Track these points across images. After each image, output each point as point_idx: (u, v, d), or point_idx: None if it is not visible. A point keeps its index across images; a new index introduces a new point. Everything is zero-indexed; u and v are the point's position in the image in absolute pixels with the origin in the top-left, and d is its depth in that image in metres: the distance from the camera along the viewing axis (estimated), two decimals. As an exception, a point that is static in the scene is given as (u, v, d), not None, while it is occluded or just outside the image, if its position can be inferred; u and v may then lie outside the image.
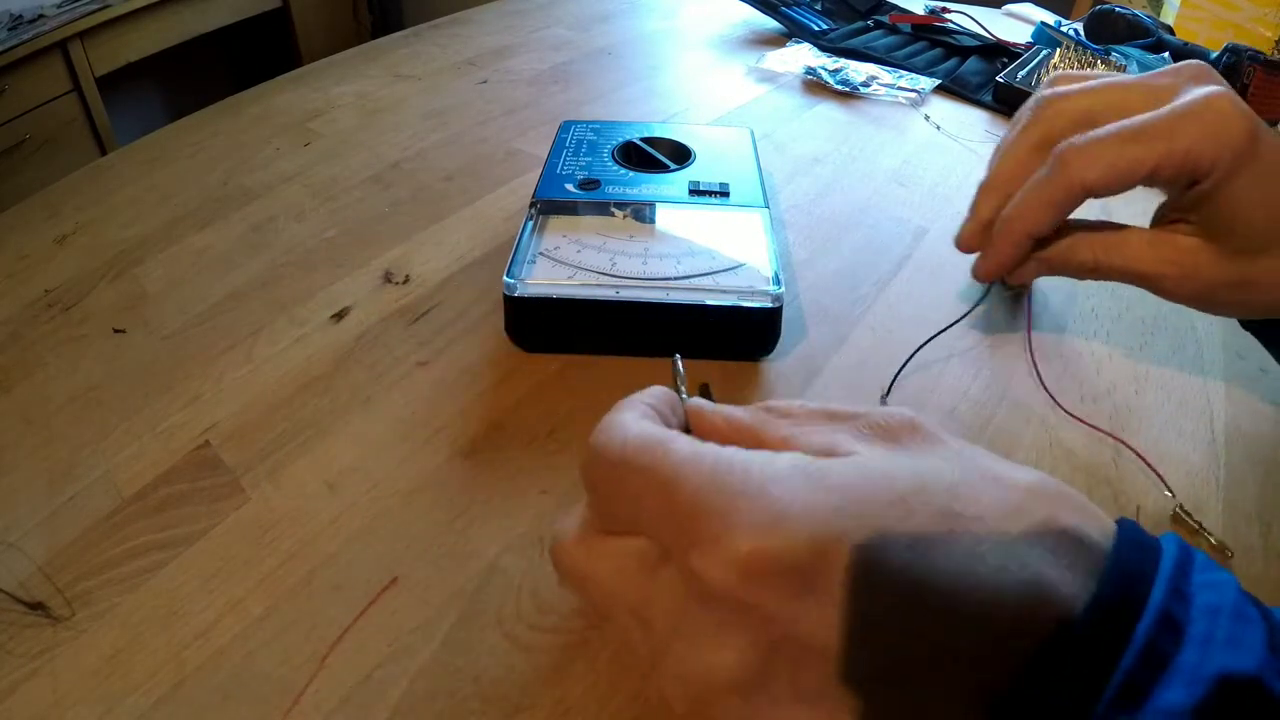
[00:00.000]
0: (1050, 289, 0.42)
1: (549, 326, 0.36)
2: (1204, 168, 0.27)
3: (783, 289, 0.35)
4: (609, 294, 0.35)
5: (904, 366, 0.36)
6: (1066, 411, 0.34)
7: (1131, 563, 0.16)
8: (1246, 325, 0.36)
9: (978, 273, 0.34)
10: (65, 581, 0.28)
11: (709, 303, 0.35)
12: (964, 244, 0.35)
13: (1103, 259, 0.31)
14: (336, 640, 0.26)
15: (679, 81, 0.69)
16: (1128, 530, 0.17)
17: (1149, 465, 0.32)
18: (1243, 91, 0.61)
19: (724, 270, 0.36)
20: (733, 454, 0.17)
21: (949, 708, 0.15)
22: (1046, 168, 0.29)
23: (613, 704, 0.24)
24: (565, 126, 0.48)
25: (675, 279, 0.36)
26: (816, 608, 0.15)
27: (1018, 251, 0.32)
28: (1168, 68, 0.30)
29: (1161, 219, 0.31)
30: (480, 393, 0.35)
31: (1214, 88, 0.27)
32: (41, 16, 1.66)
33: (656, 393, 0.22)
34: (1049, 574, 0.15)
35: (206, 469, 0.32)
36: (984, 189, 0.34)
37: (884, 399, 0.35)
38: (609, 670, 0.25)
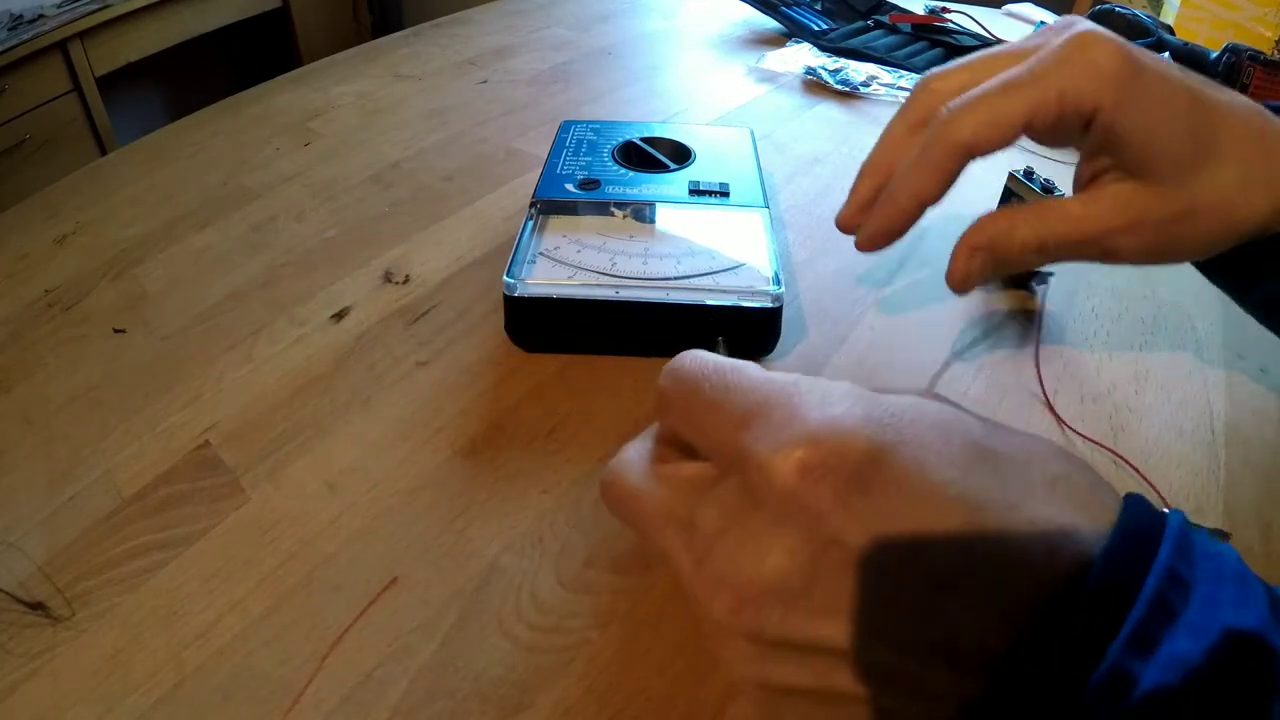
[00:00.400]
0: (1050, 291, 0.42)
1: (549, 326, 0.36)
2: (1086, 106, 0.26)
3: (783, 289, 0.35)
4: (609, 294, 0.35)
5: (940, 373, 0.37)
6: (1069, 428, 0.34)
7: (1141, 524, 0.16)
8: (1212, 276, 0.35)
9: (859, 241, 0.33)
10: (65, 581, 0.28)
11: (709, 303, 0.35)
12: (842, 223, 0.33)
13: (1045, 233, 0.29)
14: (336, 640, 0.26)
15: (679, 81, 0.69)
16: (1136, 499, 0.17)
17: (1145, 480, 0.32)
18: (1243, 91, 0.61)
19: (724, 270, 0.36)
20: (799, 378, 0.19)
21: (981, 624, 0.16)
22: (926, 135, 0.29)
23: (613, 704, 0.24)
24: (565, 126, 0.48)
25: (675, 279, 0.36)
26: (864, 511, 0.16)
27: (902, 216, 0.31)
28: (1042, 28, 0.30)
29: (1083, 180, 0.30)
30: (480, 393, 0.35)
31: (1080, 29, 0.27)
32: (41, 16, 1.66)
33: None
34: (1072, 519, 0.16)
35: (206, 469, 0.32)
36: (863, 171, 0.33)
37: None
38: (609, 670, 0.25)
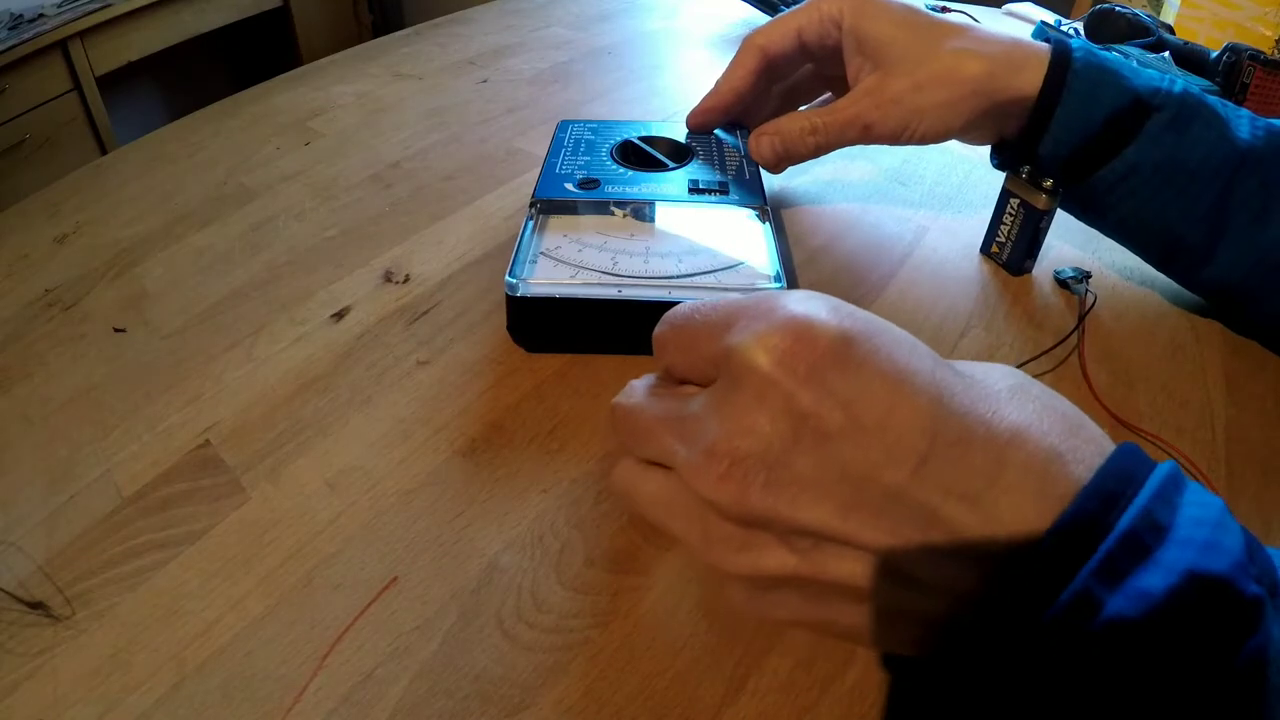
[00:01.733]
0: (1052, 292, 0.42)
1: (551, 326, 0.36)
2: (835, 17, 0.38)
3: (784, 286, 0.35)
4: (611, 293, 0.35)
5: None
6: (1117, 418, 0.34)
7: (1127, 467, 0.17)
8: (1071, 209, 0.42)
9: (688, 119, 0.45)
10: (65, 581, 0.28)
11: None
12: (689, 121, 0.45)
13: (818, 121, 0.39)
14: (336, 640, 0.26)
15: (679, 81, 0.69)
16: (1131, 447, 0.18)
17: (1199, 472, 0.32)
18: (1242, 91, 0.61)
19: (725, 268, 0.36)
20: (779, 291, 0.20)
21: (960, 510, 0.16)
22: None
23: (613, 704, 0.24)
24: (563, 126, 0.48)
25: (677, 277, 0.36)
26: (839, 387, 0.17)
27: (721, 103, 0.43)
28: None
29: (850, 86, 0.40)
30: (480, 392, 0.35)
31: None
32: (42, 16, 1.66)
33: None
34: (1062, 443, 0.17)
35: (206, 468, 0.32)
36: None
37: None
38: (609, 670, 0.25)
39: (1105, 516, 0.16)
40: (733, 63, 0.42)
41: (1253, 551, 0.16)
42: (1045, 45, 0.37)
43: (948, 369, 0.18)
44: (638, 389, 0.22)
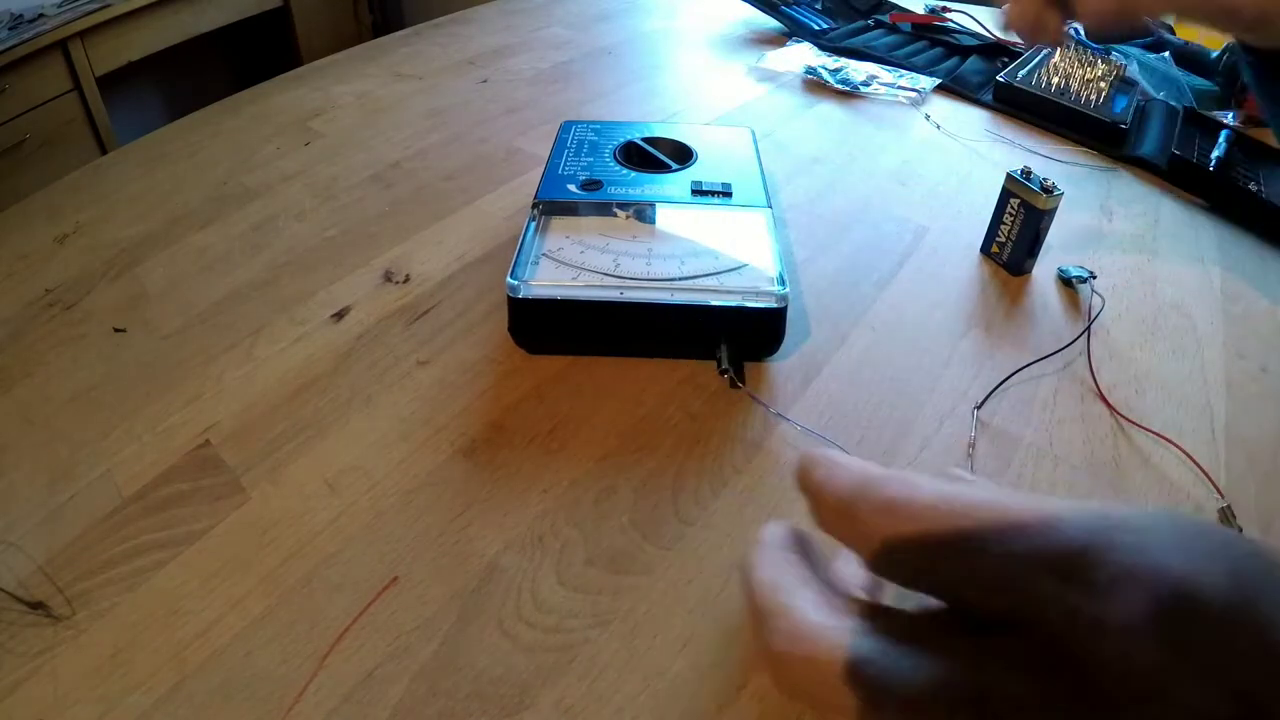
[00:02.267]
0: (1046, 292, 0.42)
1: (553, 328, 0.36)
2: None
3: (788, 289, 0.35)
4: (613, 295, 0.35)
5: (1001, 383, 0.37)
6: (1125, 418, 0.34)
7: None
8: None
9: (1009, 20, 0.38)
10: (65, 581, 0.28)
11: (714, 303, 0.35)
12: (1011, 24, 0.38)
13: None
14: (336, 640, 0.26)
15: (679, 81, 0.69)
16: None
17: (1201, 469, 0.32)
18: (1243, 91, 0.61)
19: (728, 270, 0.36)
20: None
21: None
22: None
23: (613, 704, 0.24)
24: (566, 127, 0.48)
25: (679, 279, 0.36)
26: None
27: None
28: None
29: None
30: (481, 392, 0.35)
31: None
32: (42, 16, 1.66)
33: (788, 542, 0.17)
34: None
35: (207, 468, 0.32)
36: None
37: (976, 410, 0.35)
38: (609, 670, 0.25)
39: None
40: None
41: None
42: None
43: None
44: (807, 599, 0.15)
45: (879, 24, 0.79)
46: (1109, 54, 0.68)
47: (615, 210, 0.40)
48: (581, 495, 0.31)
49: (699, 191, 0.42)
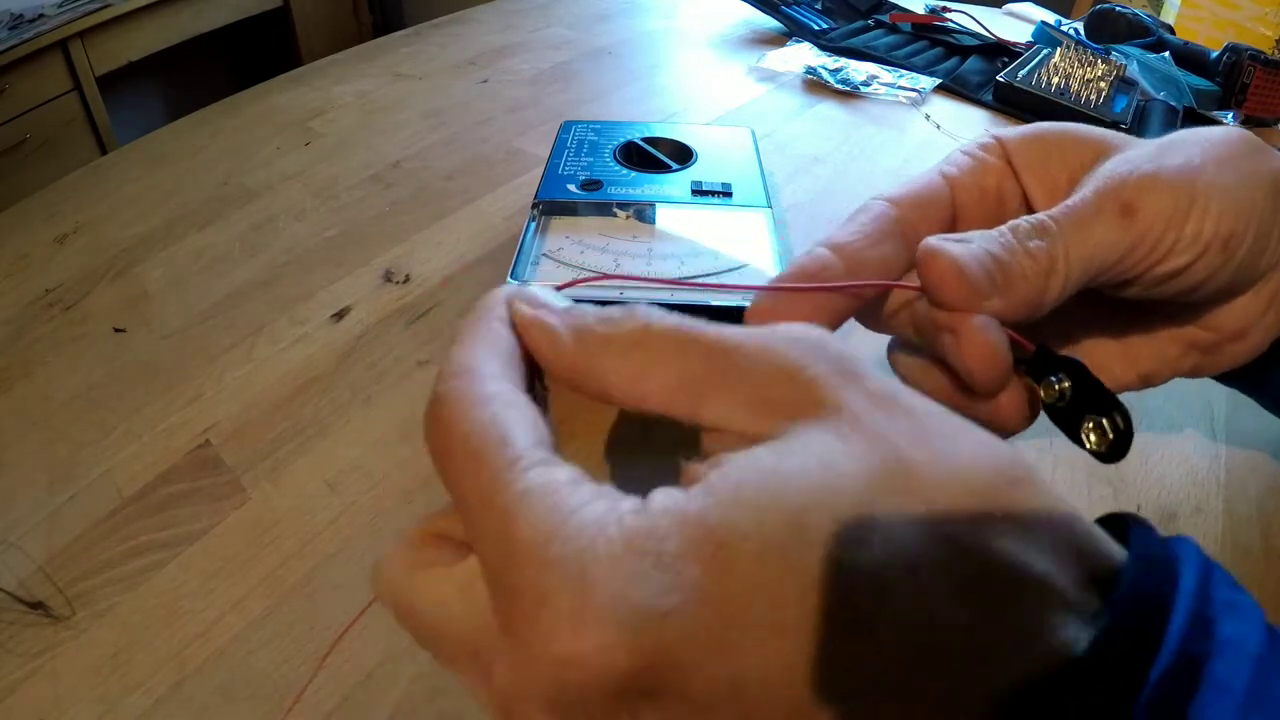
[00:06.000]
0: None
1: (550, 326, 0.36)
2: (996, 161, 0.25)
3: (784, 289, 0.35)
4: (613, 295, 0.35)
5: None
6: None
7: (1147, 583, 0.13)
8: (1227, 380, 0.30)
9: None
10: (65, 581, 0.28)
11: (714, 303, 0.35)
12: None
13: (1047, 222, 0.21)
14: (336, 640, 0.26)
15: (679, 81, 0.69)
16: (1141, 534, 0.14)
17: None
18: (1243, 91, 0.61)
19: (728, 270, 0.36)
20: (570, 507, 0.13)
21: None
22: None
23: (613, 704, 0.24)
24: (566, 127, 0.48)
25: (679, 280, 0.36)
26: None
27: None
28: None
29: None
30: (481, 392, 0.35)
31: None
32: (42, 16, 1.66)
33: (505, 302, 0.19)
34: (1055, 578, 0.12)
35: (207, 468, 0.32)
36: None
37: None
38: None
39: (1130, 671, 0.12)
40: (849, 218, 0.23)
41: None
42: None
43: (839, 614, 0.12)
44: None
45: (879, 24, 0.79)
46: (1109, 54, 0.68)
47: (615, 210, 0.40)
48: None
49: (699, 191, 0.42)
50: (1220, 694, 0.12)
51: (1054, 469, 0.32)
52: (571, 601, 0.12)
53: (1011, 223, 0.21)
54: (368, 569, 0.28)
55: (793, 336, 0.15)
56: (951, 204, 0.24)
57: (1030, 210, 0.24)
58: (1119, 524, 0.15)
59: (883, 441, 0.13)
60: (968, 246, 0.20)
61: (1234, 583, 0.13)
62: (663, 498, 0.13)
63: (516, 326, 0.18)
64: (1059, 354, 0.20)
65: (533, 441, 0.15)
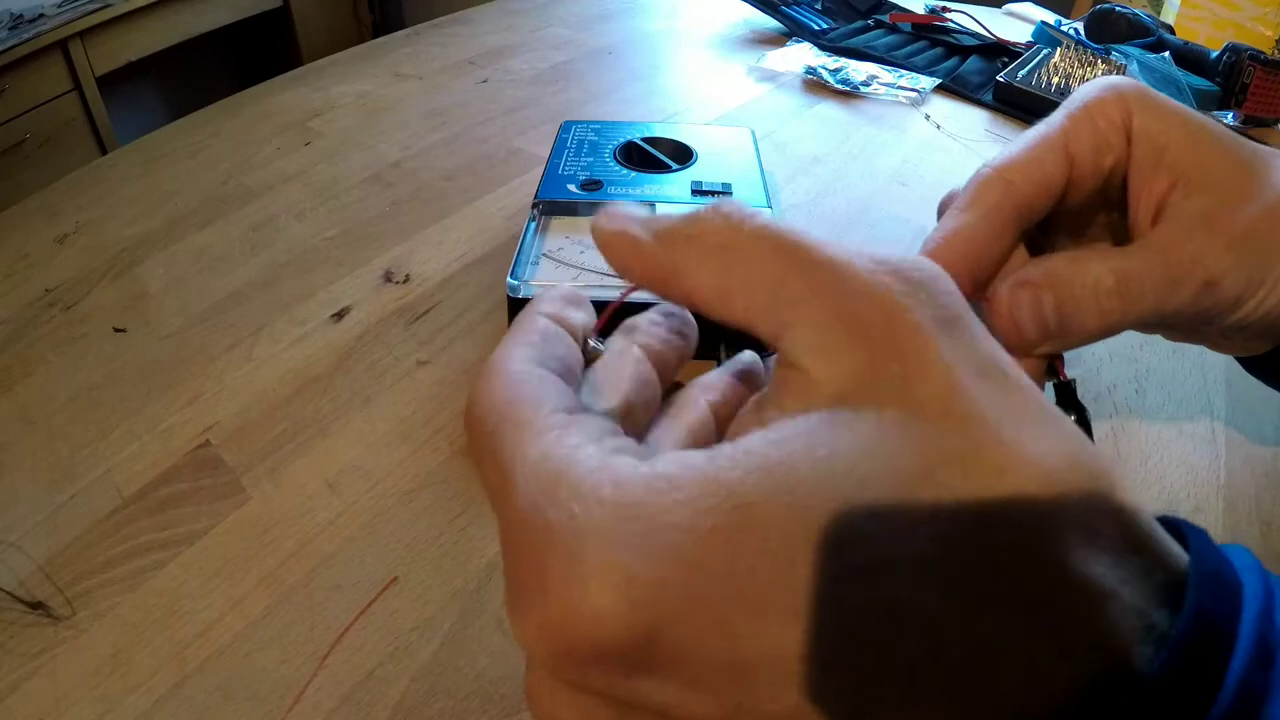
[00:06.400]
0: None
1: (550, 326, 0.36)
2: (1117, 122, 0.24)
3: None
4: (613, 295, 0.35)
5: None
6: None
7: (1212, 603, 0.12)
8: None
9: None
10: (65, 581, 0.28)
11: None
12: None
13: (1127, 268, 0.23)
14: (336, 640, 0.26)
15: (679, 81, 0.69)
16: (1201, 547, 0.13)
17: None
18: (1243, 91, 0.61)
19: (724, 270, 0.36)
20: (569, 468, 0.13)
21: None
22: None
23: (613, 704, 0.24)
24: (566, 127, 0.48)
25: None
26: (657, 690, 0.12)
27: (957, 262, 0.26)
28: None
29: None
30: (481, 392, 0.35)
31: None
32: (42, 16, 1.66)
33: (553, 308, 0.19)
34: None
35: (207, 468, 0.32)
36: None
37: None
38: (609, 670, 0.25)
39: (1196, 695, 0.12)
40: (967, 200, 0.25)
41: None
42: None
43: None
44: None
45: (879, 24, 0.79)
46: (1109, 54, 0.68)
47: (615, 210, 0.40)
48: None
49: (699, 191, 0.42)
50: None
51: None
52: (565, 570, 0.12)
53: (1095, 275, 0.22)
54: (368, 569, 0.28)
55: (903, 271, 0.14)
56: (1066, 183, 0.24)
57: (1124, 197, 0.24)
58: (1170, 526, 0.14)
59: (967, 419, 0.13)
60: (1039, 297, 0.22)
61: None
62: (677, 462, 0.13)
63: (599, 245, 0.18)
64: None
65: (551, 408, 0.14)
